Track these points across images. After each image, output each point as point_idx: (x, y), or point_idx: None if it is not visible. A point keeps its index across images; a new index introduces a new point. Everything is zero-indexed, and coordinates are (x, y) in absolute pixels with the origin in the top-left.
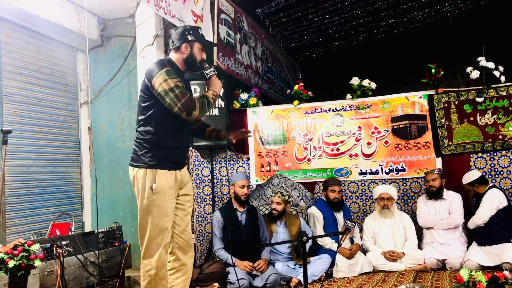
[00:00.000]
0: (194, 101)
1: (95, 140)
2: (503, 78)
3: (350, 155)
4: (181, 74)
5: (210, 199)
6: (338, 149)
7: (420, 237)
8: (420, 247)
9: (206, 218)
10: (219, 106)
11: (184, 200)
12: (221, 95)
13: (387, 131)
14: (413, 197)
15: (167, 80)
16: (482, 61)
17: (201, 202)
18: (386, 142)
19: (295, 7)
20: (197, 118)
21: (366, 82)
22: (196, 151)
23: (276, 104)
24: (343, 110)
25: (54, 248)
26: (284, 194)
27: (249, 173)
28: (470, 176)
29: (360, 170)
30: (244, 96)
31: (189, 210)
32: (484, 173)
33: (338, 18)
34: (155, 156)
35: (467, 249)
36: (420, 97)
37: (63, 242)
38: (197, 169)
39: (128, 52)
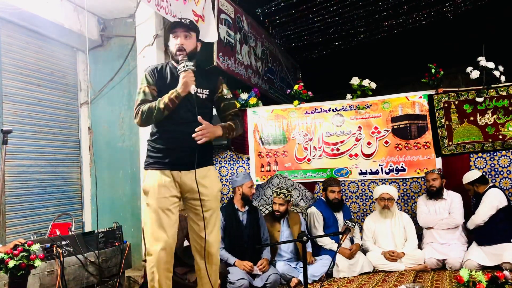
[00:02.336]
0: (137, 109)
1: (95, 140)
2: (503, 78)
3: (350, 155)
4: (172, 78)
5: None
6: (338, 149)
7: (420, 237)
8: (420, 247)
9: None
10: None
11: (195, 204)
12: (192, 92)
13: (387, 131)
14: (413, 197)
15: (139, 86)
16: (482, 61)
17: None
18: (386, 142)
19: (295, 7)
20: (141, 126)
21: (366, 82)
22: None
23: (276, 104)
24: (343, 110)
25: (54, 248)
26: (286, 194)
27: (249, 173)
28: (471, 176)
29: (360, 170)
30: (244, 96)
31: (205, 215)
32: (484, 173)
33: (338, 18)
34: (150, 157)
35: (467, 249)
36: (420, 97)
37: (63, 242)
38: None
39: (128, 52)
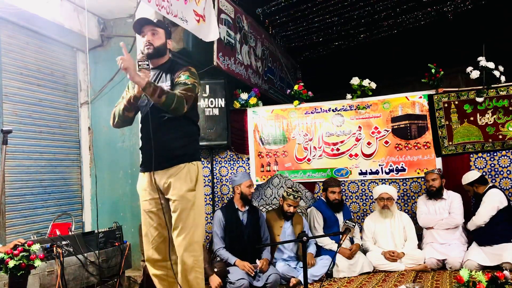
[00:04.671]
0: (111, 112)
1: (95, 140)
2: (503, 78)
3: (350, 155)
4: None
5: (210, 199)
6: (338, 149)
7: (420, 237)
8: (420, 247)
9: (206, 218)
10: (219, 106)
11: (172, 204)
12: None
13: (387, 131)
14: (413, 197)
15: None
16: (482, 61)
17: None
18: (386, 142)
19: (295, 7)
20: (115, 127)
21: (366, 82)
22: None
23: (276, 104)
24: (343, 110)
25: (54, 248)
26: (296, 197)
27: (249, 173)
28: (470, 177)
29: (360, 170)
30: (244, 96)
31: (172, 215)
32: (484, 173)
33: (338, 18)
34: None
35: (467, 249)
36: (420, 97)
37: (63, 242)
38: None
39: (128, 52)
